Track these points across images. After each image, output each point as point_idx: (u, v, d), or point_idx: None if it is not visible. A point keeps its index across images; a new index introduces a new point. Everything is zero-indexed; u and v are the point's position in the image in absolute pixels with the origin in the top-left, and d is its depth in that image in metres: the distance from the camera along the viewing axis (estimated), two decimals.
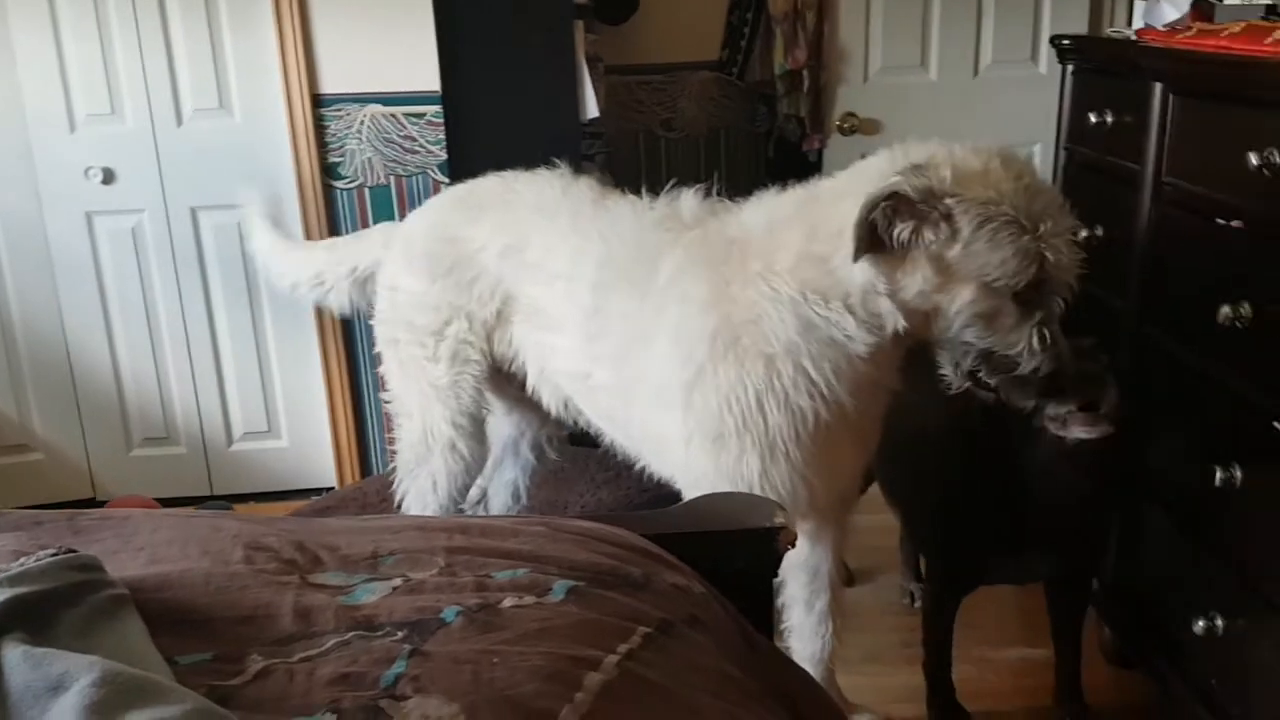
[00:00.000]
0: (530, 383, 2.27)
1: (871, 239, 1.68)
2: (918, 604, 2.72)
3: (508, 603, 1.12)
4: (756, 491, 1.86)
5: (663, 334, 1.94)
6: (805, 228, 1.83)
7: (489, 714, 0.93)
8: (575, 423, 2.32)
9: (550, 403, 2.27)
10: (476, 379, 2.27)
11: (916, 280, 1.71)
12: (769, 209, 1.93)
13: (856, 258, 1.69)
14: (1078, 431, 1.91)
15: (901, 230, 1.68)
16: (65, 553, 1.14)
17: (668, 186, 2.09)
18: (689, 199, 2.04)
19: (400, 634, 1.05)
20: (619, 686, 1.01)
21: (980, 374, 1.78)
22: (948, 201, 1.66)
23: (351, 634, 1.05)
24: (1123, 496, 2.37)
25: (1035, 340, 1.71)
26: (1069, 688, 2.34)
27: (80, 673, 0.92)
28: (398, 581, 1.17)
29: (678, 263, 1.95)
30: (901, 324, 1.76)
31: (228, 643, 1.06)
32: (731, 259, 1.90)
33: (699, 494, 1.85)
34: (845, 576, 2.79)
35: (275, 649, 1.04)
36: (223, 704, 0.95)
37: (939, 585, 2.36)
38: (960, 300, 1.71)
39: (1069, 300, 1.74)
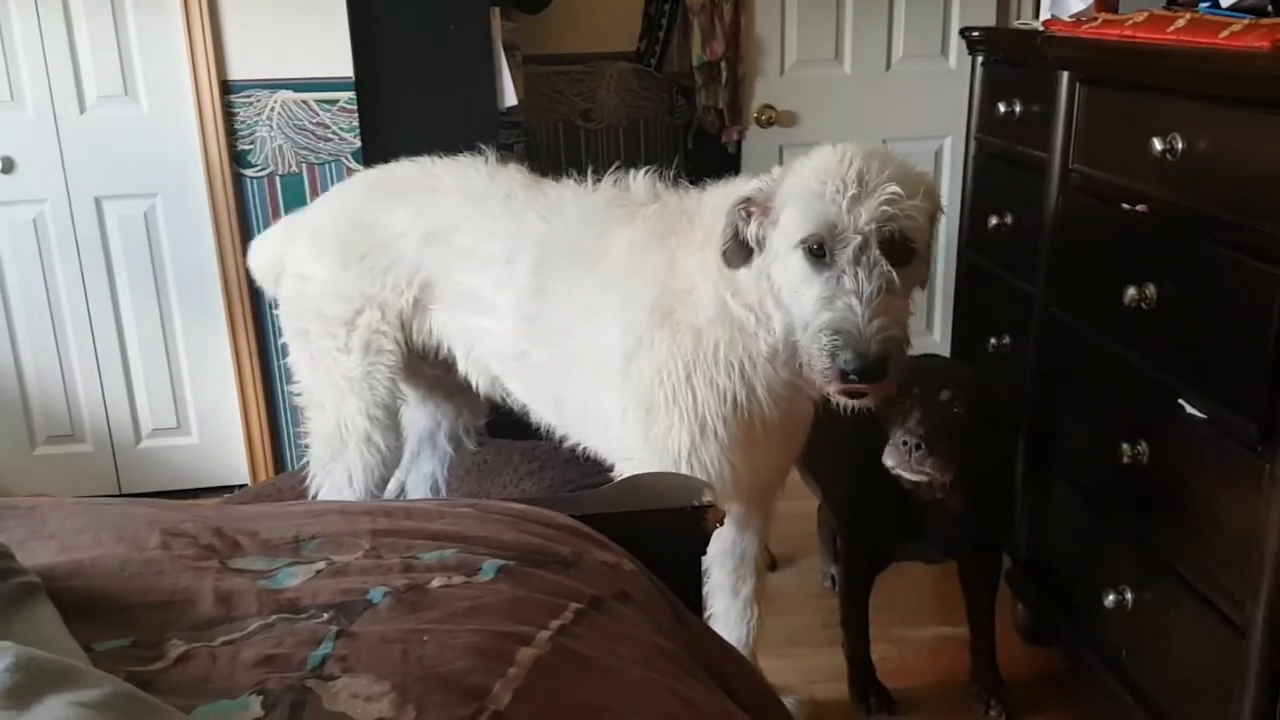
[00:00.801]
0: (461, 366, 2.25)
1: (737, 243, 1.77)
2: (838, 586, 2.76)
3: (436, 583, 1.11)
4: (684, 468, 1.87)
5: (609, 306, 1.95)
6: None
7: (420, 691, 0.91)
8: (503, 401, 2.30)
9: (479, 383, 2.26)
10: (391, 369, 2.23)
11: (773, 275, 1.76)
12: (730, 189, 1.93)
13: (725, 259, 1.78)
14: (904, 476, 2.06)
15: (751, 229, 1.76)
16: None
17: (610, 169, 2.09)
18: (640, 179, 2.05)
19: (326, 616, 1.03)
20: (552, 660, 1.00)
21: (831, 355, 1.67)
22: (770, 193, 1.75)
23: (275, 617, 1.03)
24: (1027, 477, 2.44)
25: (824, 311, 1.65)
26: (985, 664, 2.40)
27: None
28: (321, 565, 1.14)
29: (633, 236, 1.96)
30: (786, 324, 1.77)
31: (146, 628, 1.03)
32: (680, 229, 1.92)
33: (630, 468, 1.89)
34: (768, 561, 2.83)
35: (196, 633, 1.01)
36: (143, 689, 0.92)
37: (851, 563, 2.41)
38: (779, 275, 1.73)
39: (878, 268, 1.64)
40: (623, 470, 1.96)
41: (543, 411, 2.21)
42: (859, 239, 1.64)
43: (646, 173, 2.05)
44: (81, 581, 1.11)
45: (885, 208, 1.64)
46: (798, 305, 1.71)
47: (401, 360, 2.24)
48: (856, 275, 1.64)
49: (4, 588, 1.05)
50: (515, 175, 2.18)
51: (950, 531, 2.25)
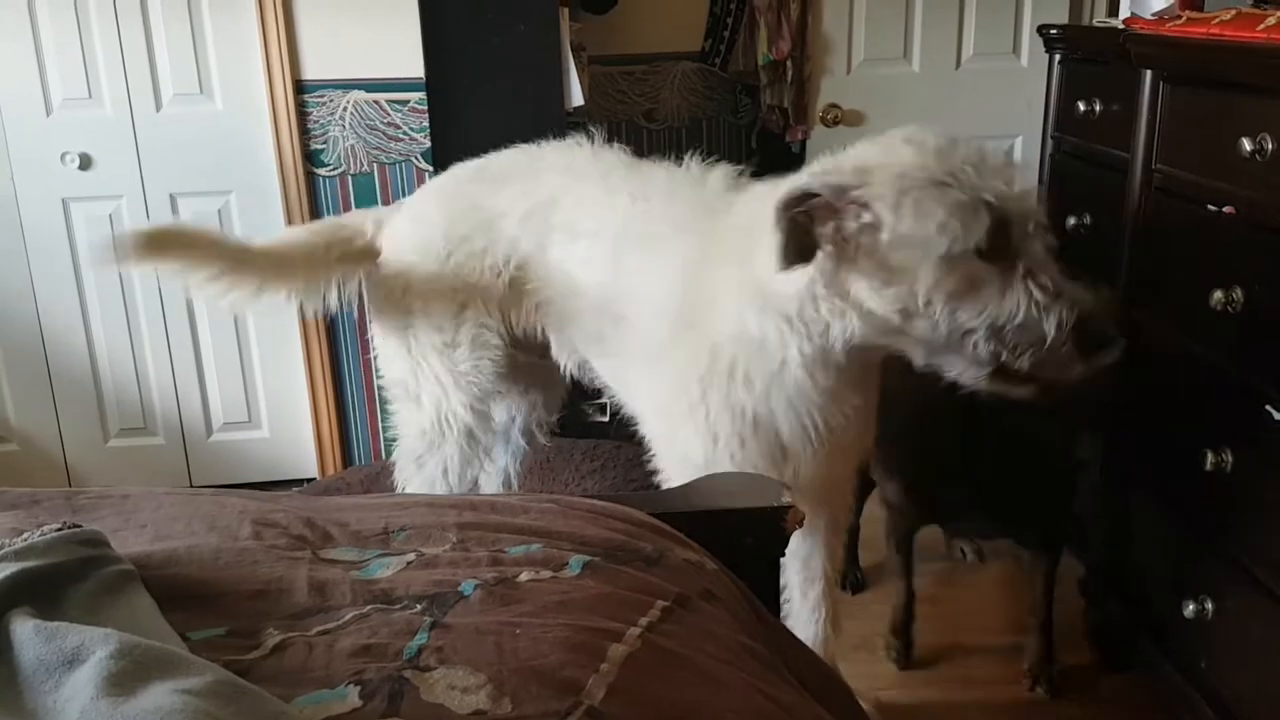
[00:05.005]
0: (554, 349, 2.25)
1: (800, 245, 1.58)
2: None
3: (524, 577, 1.11)
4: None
5: (649, 302, 1.95)
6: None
7: (516, 684, 0.91)
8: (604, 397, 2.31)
9: (569, 365, 2.26)
10: (495, 363, 2.24)
11: (864, 285, 1.60)
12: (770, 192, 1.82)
13: (783, 268, 1.59)
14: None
15: (823, 231, 1.58)
16: (69, 528, 1.12)
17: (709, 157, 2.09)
18: (718, 171, 2.03)
19: (419, 607, 1.04)
20: (643, 657, 1.00)
21: (1005, 360, 1.58)
22: (855, 193, 1.56)
23: (369, 607, 1.04)
24: (1105, 483, 2.39)
25: (1036, 293, 1.53)
26: (1037, 643, 2.44)
27: (96, 645, 0.90)
28: (411, 556, 1.15)
29: (688, 241, 1.94)
30: (854, 331, 1.65)
31: (241, 617, 1.04)
32: (715, 233, 1.88)
33: (661, 459, 1.94)
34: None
35: (291, 623, 1.02)
36: (240, 678, 0.93)
37: (893, 511, 2.45)
38: (924, 286, 1.55)
39: (1049, 236, 1.57)
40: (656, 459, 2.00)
41: (621, 398, 2.20)
42: (1032, 222, 1.54)
43: (727, 167, 2.03)
44: (176, 570, 1.13)
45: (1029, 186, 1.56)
46: (968, 311, 1.55)
47: (505, 352, 2.24)
48: (1049, 260, 1.53)
49: (101, 575, 1.07)
50: (618, 155, 2.17)
51: (1008, 503, 2.22)
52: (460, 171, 2.32)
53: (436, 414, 2.26)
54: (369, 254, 2.29)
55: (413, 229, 2.26)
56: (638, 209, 2.03)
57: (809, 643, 2.18)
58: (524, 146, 2.26)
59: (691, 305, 1.84)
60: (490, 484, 2.59)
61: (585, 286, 2.08)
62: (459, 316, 2.20)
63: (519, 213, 2.14)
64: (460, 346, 2.21)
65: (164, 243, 2.10)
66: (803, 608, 2.19)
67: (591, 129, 2.26)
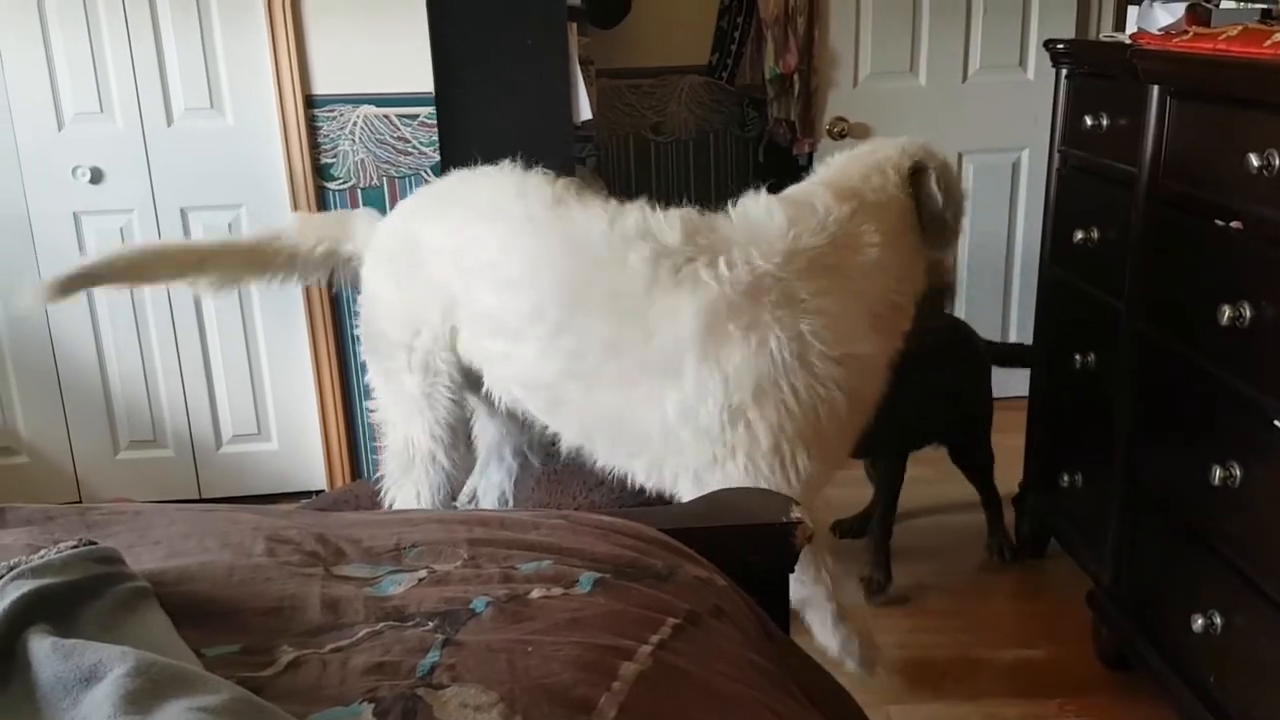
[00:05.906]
0: (485, 387, 2.27)
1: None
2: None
3: (536, 594, 1.12)
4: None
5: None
6: None
7: (528, 702, 0.92)
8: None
9: (503, 406, 2.29)
10: (449, 389, 2.26)
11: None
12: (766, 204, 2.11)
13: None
14: None
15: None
16: (85, 545, 1.12)
17: (680, 184, 2.13)
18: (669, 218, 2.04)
19: (431, 624, 1.04)
20: (654, 675, 1.00)
21: None
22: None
23: (382, 624, 1.05)
24: (1114, 497, 2.39)
25: None
26: (994, 525, 3.07)
27: (113, 663, 0.91)
28: (423, 573, 1.16)
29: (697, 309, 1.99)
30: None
31: (255, 634, 1.05)
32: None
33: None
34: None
35: (305, 640, 1.03)
36: (255, 695, 0.94)
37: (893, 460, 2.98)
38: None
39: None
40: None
41: (571, 436, 2.21)
42: None
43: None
44: (190, 587, 1.14)
45: None
46: None
47: (459, 379, 2.26)
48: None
49: (116, 592, 1.08)
50: (541, 192, 2.14)
51: (921, 423, 2.89)
52: (421, 192, 2.36)
53: (404, 438, 2.29)
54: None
55: (374, 254, 2.30)
56: (581, 264, 2.03)
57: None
58: (465, 171, 2.27)
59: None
60: (487, 498, 2.61)
61: (526, 336, 2.09)
62: (411, 345, 2.23)
63: (449, 251, 2.16)
64: (414, 372, 2.24)
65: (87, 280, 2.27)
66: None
67: (516, 160, 2.26)
